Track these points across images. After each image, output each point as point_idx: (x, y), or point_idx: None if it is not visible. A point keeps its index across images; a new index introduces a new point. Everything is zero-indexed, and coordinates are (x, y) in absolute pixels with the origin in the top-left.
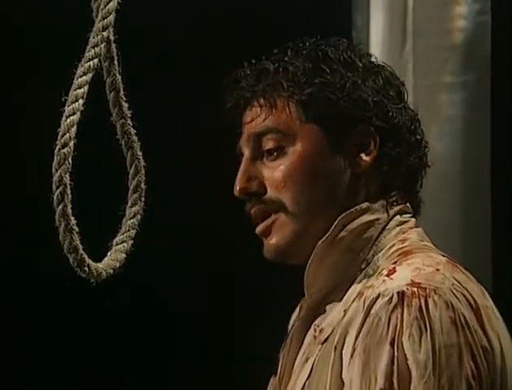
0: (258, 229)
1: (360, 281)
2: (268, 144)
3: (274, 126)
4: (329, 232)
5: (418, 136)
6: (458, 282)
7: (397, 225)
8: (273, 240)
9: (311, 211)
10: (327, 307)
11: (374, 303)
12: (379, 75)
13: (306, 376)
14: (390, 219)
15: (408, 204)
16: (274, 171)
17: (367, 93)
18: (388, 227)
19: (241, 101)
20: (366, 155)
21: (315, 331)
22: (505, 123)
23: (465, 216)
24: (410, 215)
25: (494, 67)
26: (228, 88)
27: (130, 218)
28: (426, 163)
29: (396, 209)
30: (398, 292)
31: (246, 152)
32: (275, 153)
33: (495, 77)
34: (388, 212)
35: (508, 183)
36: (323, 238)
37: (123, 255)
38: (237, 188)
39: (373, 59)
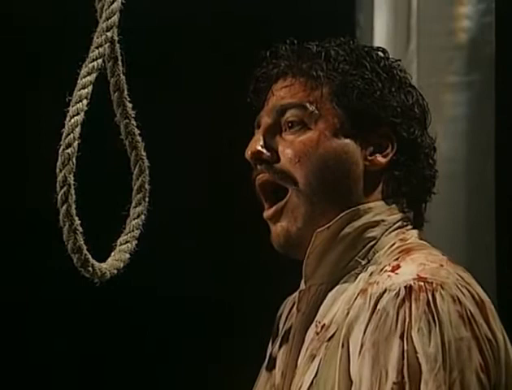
0: (268, 213)
1: (362, 278)
2: (292, 117)
3: (303, 102)
4: (331, 223)
5: (431, 161)
6: (462, 278)
7: (399, 227)
8: (283, 224)
9: (321, 195)
10: (326, 299)
11: (380, 298)
12: (411, 93)
13: (313, 375)
14: (395, 223)
15: (412, 213)
16: (291, 145)
17: (399, 102)
18: (390, 229)
19: (275, 71)
20: (383, 157)
21: (317, 327)
22: (509, 123)
23: (469, 216)
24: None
25: (498, 67)
26: (266, 58)
27: (134, 219)
28: (432, 189)
29: (401, 214)
30: (405, 287)
31: (266, 121)
32: (296, 128)
33: (499, 77)
34: (393, 215)
35: None
36: (323, 227)
37: (127, 255)
38: (249, 151)
39: (408, 78)
